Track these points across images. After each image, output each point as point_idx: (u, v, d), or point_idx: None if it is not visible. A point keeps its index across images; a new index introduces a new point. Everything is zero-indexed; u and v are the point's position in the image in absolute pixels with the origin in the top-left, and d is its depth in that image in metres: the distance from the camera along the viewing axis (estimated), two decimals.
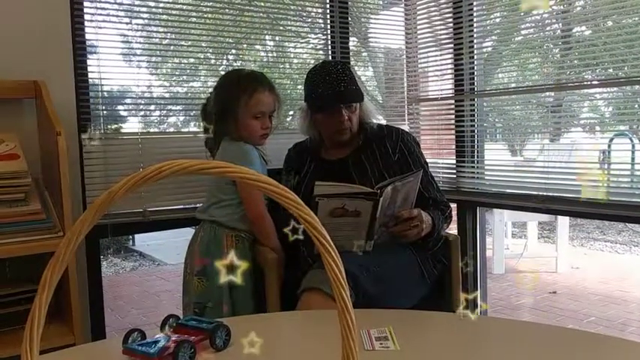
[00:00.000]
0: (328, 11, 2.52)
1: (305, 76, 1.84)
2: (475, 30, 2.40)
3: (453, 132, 2.51)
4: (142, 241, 6.20)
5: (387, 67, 2.82)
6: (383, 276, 1.56)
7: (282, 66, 2.57)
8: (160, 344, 0.90)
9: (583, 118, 2.35)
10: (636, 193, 1.88)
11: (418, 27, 2.66)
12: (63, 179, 1.52)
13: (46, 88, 1.68)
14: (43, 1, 1.82)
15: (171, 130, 2.58)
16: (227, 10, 2.32)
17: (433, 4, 2.57)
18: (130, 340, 0.93)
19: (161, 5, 2.15)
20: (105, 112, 2.03)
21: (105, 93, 2.04)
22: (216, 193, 1.80)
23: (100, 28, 2.00)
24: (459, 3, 2.41)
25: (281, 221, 1.74)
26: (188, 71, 2.33)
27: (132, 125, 2.17)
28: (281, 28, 2.51)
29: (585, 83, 2.14)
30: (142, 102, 2.20)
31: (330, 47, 2.52)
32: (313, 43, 2.56)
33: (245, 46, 2.42)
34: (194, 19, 2.24)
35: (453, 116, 2.52)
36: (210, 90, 1.90)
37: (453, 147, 2.52)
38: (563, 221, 4.56)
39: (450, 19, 2.47)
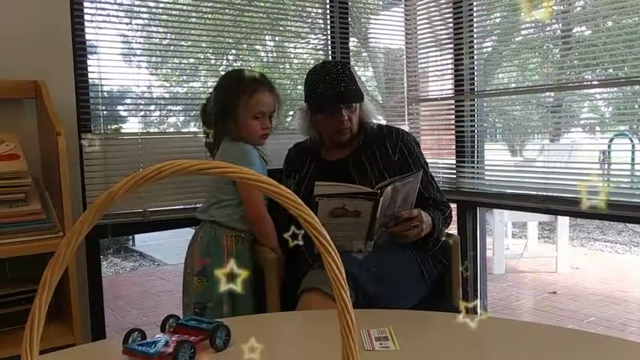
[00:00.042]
0: (328, 11, 2.52)
1: (305, 76, 1.84)
2: (475, 30, 2.40)
3: (453, 132, 2.51)
4: (142, 241, 6.20)
5: (387, 68, 2.82)
6: (383, 276, 1.56)
7: (282, 66, 2.57)
8: (160, 344, 0.90)
9: (583, 118, 2.35)
10: (636, 194, 1.88)
11: (418, 27, 2.66)
12: (63, 179, 1.52)
13: (46, 88, 1.68)
14: (43, 1, 1.82)
15: (172, 130, 2.58)
16: (227, 11, 2.32)
17: (433, 4, 2.57)
18: (130, 340, 0.93)
19: (161, 5, 2.15)
20: (105, 112, 2.04)
21: (105, 93, 2.04)
22: (216, 193, 1.80)
23: (100, 28, 2.00)
24: (459, 3, 2.41)
25: (281, 221, 1.74)
26: (188, 71, 2.33)
27: (132, 125, 2.17)
28: (281, 28, 2.51)
29: (585, 83, 2.14)
30: (142, 102, 2.20)
31: (330, 47, 2.53)
32: (313, 44, 2.57)
33: (245, 46, 2.42)
34: (194, 20, 2.24)
35: (453, 116, 2.52)
36: (210, 90, 1.90)
37: (453, 147, 2.52)
38: (563, 221, 4.56)
39: (450, 20, 2.47)
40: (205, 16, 2.30)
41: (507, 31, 2.38)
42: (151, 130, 2.21)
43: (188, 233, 2.02)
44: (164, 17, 2.17)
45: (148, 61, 2.19)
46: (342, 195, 1.48)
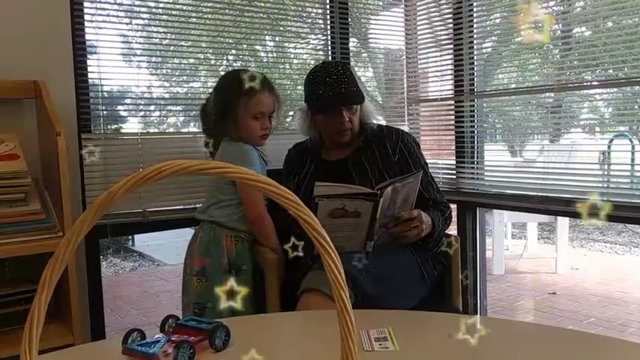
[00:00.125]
0: (328, 12, 2.52)
1: (305, 76, 1.84)
2: (475, 30, 2.40)
3: (453, 133, 2.51)
4: (142, 241, 6.20)
5: (387, 68, 2.82)
6: (383, 277, 1.56)
7: (282, 66, 2.57)
8: (160, 344, 0.90)
9: (583, 118, 2.35)
10: (636, 194, 1.88)
11: (418, 28, 2.66)
12: (63, 179, 1.52)
13: (46, 89, 1.68)
14: (43, 1, 1.82)
15: (171, 130, 2.58)
16: (227, 11, 2.32)
17: (433, 4, 2.57)
18: (129, 340, 0.93)
19: (161, 6, 2.15)
20: (105, 112, 2.03)
21: (105, 93, 2.04)
22: (216, 193, 1.80)
23: (100, 28, 2.00)
24: (459, 4, 2.41)
25: (281, 222, 1.74)
26: (188, 72, 2.33)
27: (132, 125, 2.17)
28: (281, 28, 2.51)
29: (585, 84, 2.14)
30: (142, 102, 2.20)
31: (330, 48, 2.53)
32: (313, 44, 2.57)
33: (245, 46, 2.42)
34: (194, 20, 2.24)
35: (453, 117, 2.52)
36: (210, 90, 1.90)
37: (453, 148, 2.52)
38: (563, 222, 4.56)
39: (450, 20, 2.47)
40: (205, 16, 2.30)
41: (507, 32, 2.38)
42: (151, 131, 2.21)
43: (188, 233, 2.02)
44: (164, 17, 2.17)
45: (147, 61, 2.19)
46: (341, 195, 1.48)
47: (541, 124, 2.36)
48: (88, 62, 1.95)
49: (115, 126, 2.24)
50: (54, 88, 1.72)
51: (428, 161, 1.88)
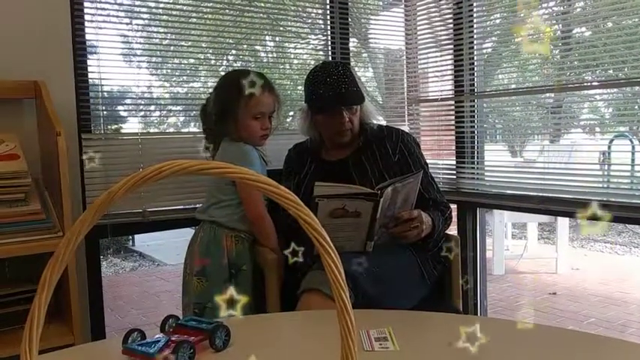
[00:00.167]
0: (328, 12, 2.52)
1: (305, 76, 1.84)
2: (475, 31, 2.40)
3: (453, 133, 2.51)
4: (142, 241, 6.20)
5: (387, 68, 2.82)
6: (383, 277, 1.56)
7: (282, 67, 2.57)
8: (160, 344, 0.90)
9: (583, 119, 2.35)
10: (636, 195, 1.88)
11: (418, 28, 2.66)
12: (63, 179, 1.52)
13: (46, 89, 1.68)
14: (43, 1, 1.82)
15: (171, 130, 2.58)
16: (227, 11, 2.32)
17: (433, 4, 2.57)
18: (129, 340, 0.93)
19: (161, 6, 2.15)
20: (105, 112, 2.04)
21: (105, 93, 2.04)
22: (216, 193, 1.80)
23: (100, 28, 2.00)
24: (459, 4, 2.41)
25: (281, 222, 1.74)
26: (188, 72, 2.33)
27: (132, 125, 2.17)
28: (281, 28, 2.51)
29: (585, 84, 2.14)
30: (142, 102, 2.20)
31: (330, 48, 2.53)
32: (313, 44, 2.57)
33: (245, 46, 2.42)
34: (194, 20, 2.25)
35: (453, 117, 2.52)
36: (210, 90, 1.90)
37: (453, 148, 2.52)
38: (563, 222, 4.56)
39: (450, 20, 2.47)
40: (205, 16, 2.30)
41: (507, 32, 2.38)
42: (151, 131, 2.21)
43: (188, 233, 2.02)
44: (164, 17, 2.17)
45: (148, 62, 2.19)
46: (342, 196, 1.48)
47: (541, 125, 2.36)
48: (88, 62, 1.95)
49: (115, 126, 2.24)
50: (54, 88, 1.72)
51: (428, 161, 1.88)
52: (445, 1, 2.50)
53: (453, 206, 1.98)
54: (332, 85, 1.72)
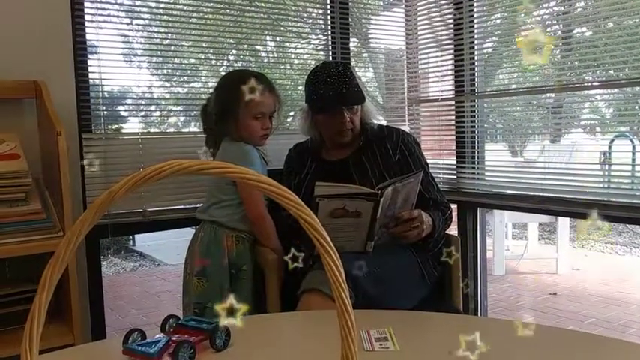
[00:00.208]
0: (329, 12, 2.52)
1: (305, 76, 1.84)
2: (476, 31, 2.40)
3: (454, 133, 2.51)
4: (143, 241, 6.20)
5: (387, 68, 2.82)
6: (383, 277, 1.56)
7: (282, 67, 2.57)
8: (160, 344, 0.90)
9: (583, 119, 2.35)
10: (636, 195, 1.88)
11: (419, 28, 2.66)
12: (63, 179, 1.52)
13: (46, 88, 1.69)
14: (43, 1, 1.82)
15: (172, 130, 2.58)
16: (228, 11, 2.32)
17: (434, 4, 2.57)
18: (130, 340, 0.93)
19: (162, 6, 2.15)
20: (105, 112, 2.04)
21: (105, 93, 2.04)
22: (217, 193, 1.80)
23: (100, 28, 2.00)
24: (460, 4, 2.41)
25: (281, 222, 1.74)
26: (189, 72, 2.33)
27: (132, 125, 2.17)
28: (282, 28, 2.51)
29: (586, 84, 2.14)
30: (143, 102, 2.20)
31: (330, 48, 2.53)
32: (314, 44, 2.57)
33: (246, 46, 2.42)
34: (195, 20, 2.25)
35: (454, 117, 2.52)
36: (211, 90, 1.90)
37: (454, 148, 2.52)
38: (564, 222, 4.56)
39: (451, 20, 2.47)
40: (206, 16, 2.30)
41: (508, 32, 2.38)
42: (152, 131, 2.21)
43: (188, 233, 2.02)
44: (165, 17, 2.17)
45: (148, 62, 2.19)
46: (342, 196, 1.48)
47: (542, 125, 2.36)
48: (89, 62, 1.95)
49: (116, 126, 2.24)
50: (54, 88, 1.72)
51: (428, 161, 1.88)
52: (446, 1, 2.50)
53: (454, 206, 1.98)
54: (333, 85, 1.72)
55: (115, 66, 2.03)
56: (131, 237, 6.14)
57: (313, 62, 2.43)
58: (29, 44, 1.80)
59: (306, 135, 1.91)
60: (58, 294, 1.57)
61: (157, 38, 2.22)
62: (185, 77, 2.33)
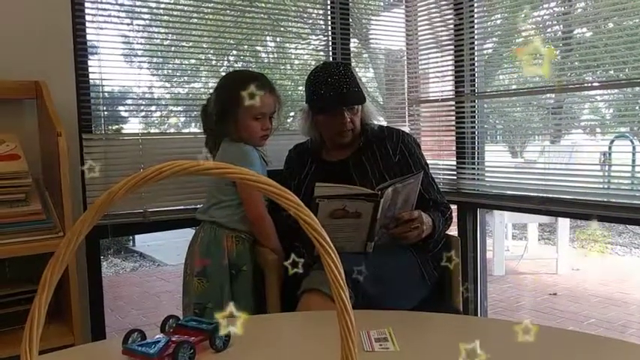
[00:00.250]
0: (329, 12, 2.52)
1: (306, 77, 1.84)
2: (476, 31, 2.40)
3: (454, 133, 2.51)
4: (143, 241, 6.21)
5: (387, 69, 2.82)
6: (383, 277, 1.56)
7: (282, 67, 2.57)
8: (160, 345, 0.90)
9: (584, 119, 2.35)
10: (636, 195, 1.88)
11: (419, 28, 2.66)
12: (63, 179, 1.52)
13: (46, 89, 1.69)
14: (43, 1, 1.82)
15: (172, 130, 2.58)
16: (228, 12, 2.32)
17: (434, 5, 2.57)
18: (129, 340, 0.93)
19: (162, 6, 2.15)
20: (106, 112, 2.04)
21: (106, 93, 2.04)
22: (217, 194, 1.80)
23: (101, 28, 2.00)
24: (460, 4, 2.41)
25: (281, 222, 1.74)
26: (189, 72, 2.33)
27: (133, 126, 2.17)
28: (282, 29, 2.51)
29: (586, 85, 2.14)
30: (143, 103, 2.20)
31: (330, 48, 2.53)
32: (314, 45, 2.57)
33: (246, 47, 2.42)
34: (195, 20, 2.25)
35: (454, 118, 2.52)
36: (211, 91, 1.90)
37: (454, 148, 2.52)
38: (564, 223, 4.56)
39: (451, 21, 2.47)
40: (206, 16, 2.30)
41: (508, 33, 2.38)
42: (152, 131, 2.21)
43: (188, 234, 2.02)
44: (165, 18, 2.17)
45: (148, 62, 2.19)
46: (342, 196, 1.48)
47: (542, 125, 2.36)
48: (89, 62, 1.95)
49: (116, 126, 2.24)
50: (55, 88, 1.72)
51: (428, 162, 1.88)
52: (446, 1, 2.50)
53: (454, 207, 1.98)
54: (333, 86, 1.72)
55: (116, 66, 2.03)
56: (131, 237, 6.15)
57: (313, 63, 2.44)
58: (29, 44, 1.80)
59: (307, 135, 1.91)
60: (58, 294, 1.57)
61: (157, 39, 2.22)
62: (185, 78, 2.33)
